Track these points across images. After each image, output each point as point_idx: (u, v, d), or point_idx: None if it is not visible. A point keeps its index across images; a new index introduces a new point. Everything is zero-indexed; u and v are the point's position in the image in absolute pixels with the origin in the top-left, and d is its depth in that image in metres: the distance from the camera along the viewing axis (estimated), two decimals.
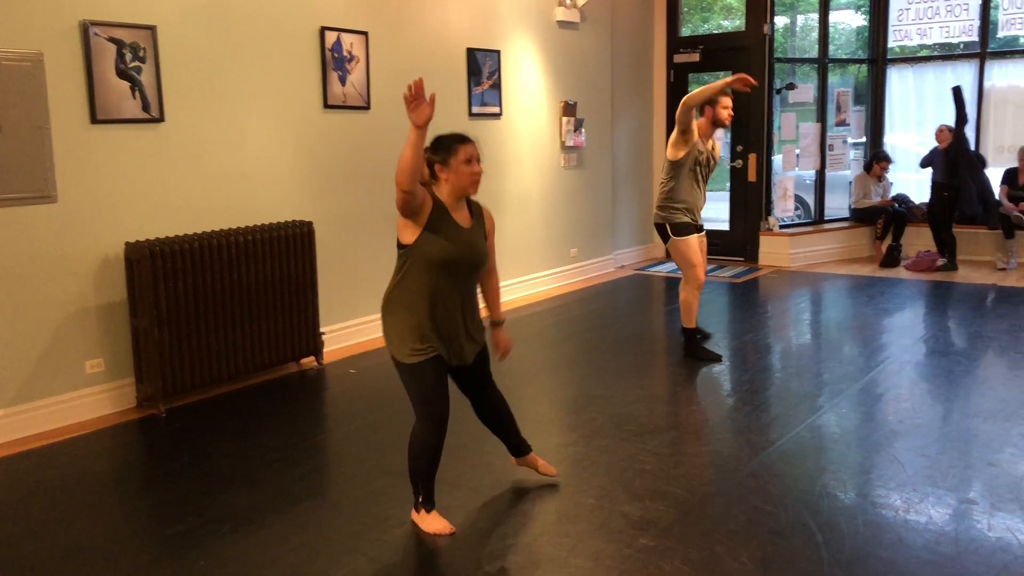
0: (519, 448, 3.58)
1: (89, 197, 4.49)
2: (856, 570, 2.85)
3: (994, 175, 8.72)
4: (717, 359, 5.39)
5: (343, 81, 5.77)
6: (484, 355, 3.34)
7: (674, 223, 5.28)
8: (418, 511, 3.22)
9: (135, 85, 4.61)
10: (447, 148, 3.10)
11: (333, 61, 5.69)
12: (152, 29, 4.66)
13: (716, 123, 5.28)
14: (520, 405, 4.75)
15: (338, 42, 5.70)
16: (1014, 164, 8.44)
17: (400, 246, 3.10)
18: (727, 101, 5.24)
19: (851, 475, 3.64)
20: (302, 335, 5.33)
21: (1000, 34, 8.73)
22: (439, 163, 3.10)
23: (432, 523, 3.18)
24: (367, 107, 5.97)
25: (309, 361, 5.52)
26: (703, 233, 5.44)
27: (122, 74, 4.55)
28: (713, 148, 5.35)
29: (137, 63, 4.61)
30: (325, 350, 5.61)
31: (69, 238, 4.43)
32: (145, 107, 4.67)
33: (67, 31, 4.34)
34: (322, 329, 5.59)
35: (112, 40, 4.49)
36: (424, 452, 3.13)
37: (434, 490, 3.23)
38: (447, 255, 3.05)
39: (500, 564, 2.96)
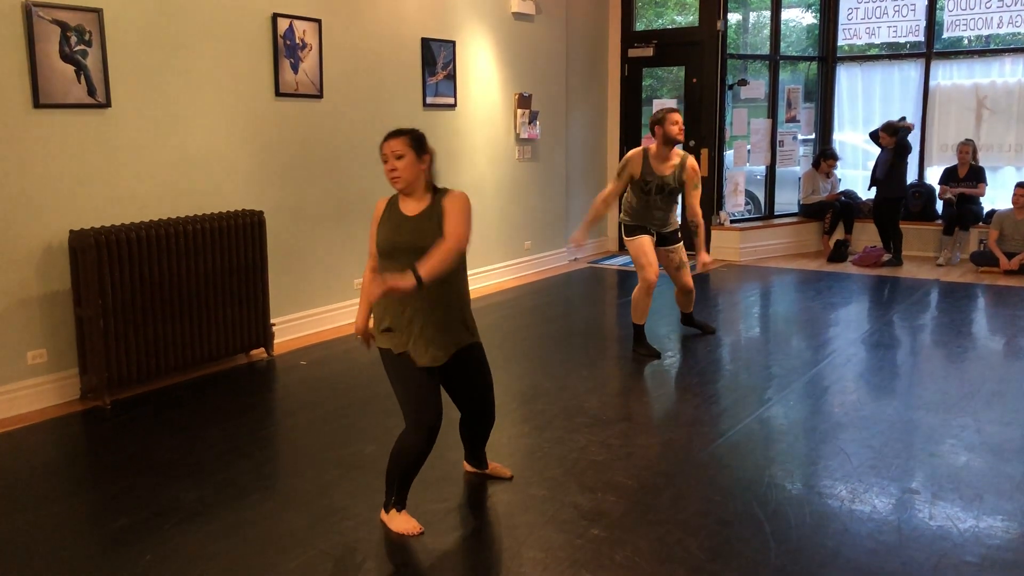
0: (480, 461, 3.56)
1: (32, 184, 4.37)
2: (802, 559, 2.90)
3: (935, 174, 8.95)
4: (656, 355, 5.39)
5: (295, 69, 5.69)
6: (462, 355, 3.15)
7: (625, 225, 5.47)
8: (387, 511, 3.16)
9: (80, 69, 4.50)
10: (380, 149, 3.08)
11: (285, 48, 5.61)
12: (98, 12, 4.54)
13: (669, 140, 5.26)
14: None
15: (291, 29, 5.62)
16: (955, 163, 8.67)
17: None
18: (675, 116, 5.27)
19: (798, 466, 3.71)
20: (252, 326, 5.26)
21: (945, 35, 8.92)
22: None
23: (401, 523, 3.12)
24: (320, 96, 5.90)
25: (259, 352, 5.45)
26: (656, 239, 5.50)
27: (67, 58, 4.44)
28: (677, 170, 5.28)
29: (83, 47, 4.50)
30: (275, 341, 5.55)
31: (11, 226, 4.31)
32: (91, 92, 4.56)
33: (8, 12, 4.22)
34: (272, 320, 5.53)
35: (56, 22, 4.38)
36: (411, 458, 3.06)
37: (408, 492, 3.18)
38: (385, 243, 3.04)
39: (451, 556, 2.96)
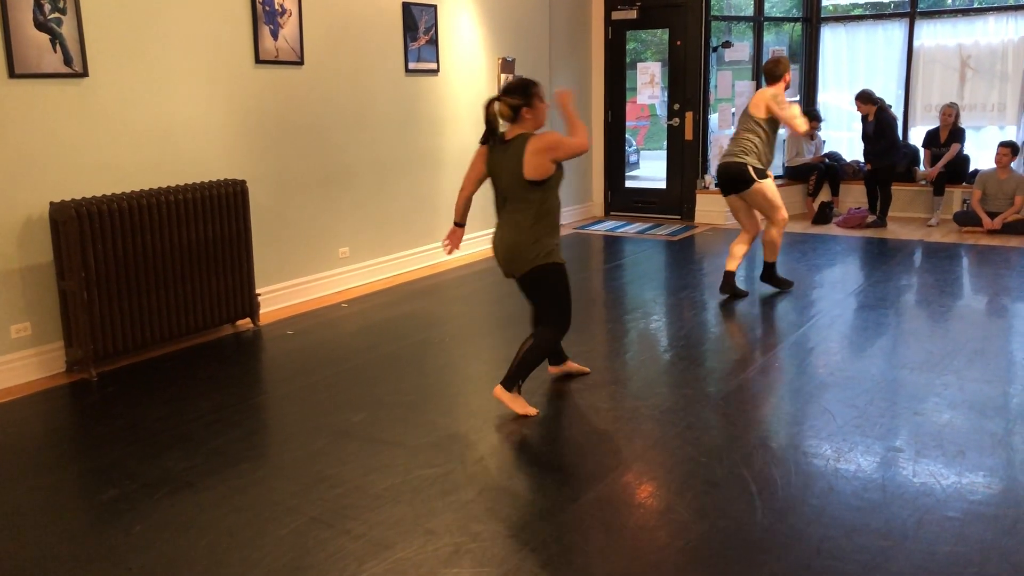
0: (559, 356, 4.32)
1: (9, 155, 4.31)
2: (788, 518, 2.94)
3: (918, 135, 8.96)
4: (789, 285, 6.06)
5: (275, 35, 5.62)
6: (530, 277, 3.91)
7: (757, 168, 5.78)
8: (510, 390, 3.81)
9: (55, 38, 4.42)
10: (529, 93, 3.76)
11: (264, 14, 5.53)
12: None
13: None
14: (461, 363, 4.76)
15: None
16: (937, 124, 8.68)
17: (536, 183, 3.83)
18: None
19: (784, 426, 3.74)
20: (237, 296, 5.24)
21: None
22: (525, 107, 3.79)
23: (522, 405, 3.83)
24: (300, 63, 5.83)
25: (245, 323, 5.44)
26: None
27: (41, 26, 4.36)
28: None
29: (57, 14, 4.42)
30: (261, 311, 5.53)
31: None
32: (67, 61, 4.49)
33: None
34: (258, 290, 5.51)
35: None
36: (548, 350, 3.93)
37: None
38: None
39: (443, 518, 2.98)
